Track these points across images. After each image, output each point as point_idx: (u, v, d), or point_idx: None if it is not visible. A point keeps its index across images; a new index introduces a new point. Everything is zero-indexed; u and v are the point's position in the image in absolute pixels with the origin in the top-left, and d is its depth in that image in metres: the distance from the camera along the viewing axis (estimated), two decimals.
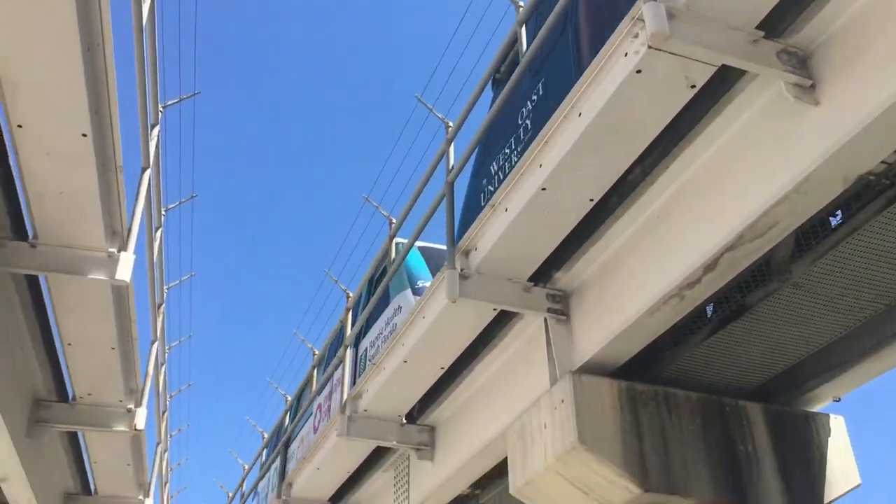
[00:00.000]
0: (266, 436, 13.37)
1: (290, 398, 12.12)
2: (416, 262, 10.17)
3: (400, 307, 9.72)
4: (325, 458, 9.66)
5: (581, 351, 6.14)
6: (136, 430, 8.36)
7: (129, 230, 6.35)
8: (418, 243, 10.27)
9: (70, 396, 8.34)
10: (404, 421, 8.76)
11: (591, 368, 6.03)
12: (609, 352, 5.93)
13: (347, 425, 8.60)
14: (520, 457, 6.37)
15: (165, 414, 11.68)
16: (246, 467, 14.54)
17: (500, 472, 8.69)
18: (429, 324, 7.06)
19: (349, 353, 9.31)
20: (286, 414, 11.96)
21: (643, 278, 5.56)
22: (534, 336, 6.98)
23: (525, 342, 7.14)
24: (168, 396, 11.66)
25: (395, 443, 8.77)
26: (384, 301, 9.96)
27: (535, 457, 6.10)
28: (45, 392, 8.25)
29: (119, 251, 6.18)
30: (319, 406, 11.03)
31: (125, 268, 6.15)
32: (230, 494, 15.89)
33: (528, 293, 6.46)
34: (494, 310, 6.83)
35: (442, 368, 7.74)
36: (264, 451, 13.14)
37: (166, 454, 12.95)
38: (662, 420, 5.95)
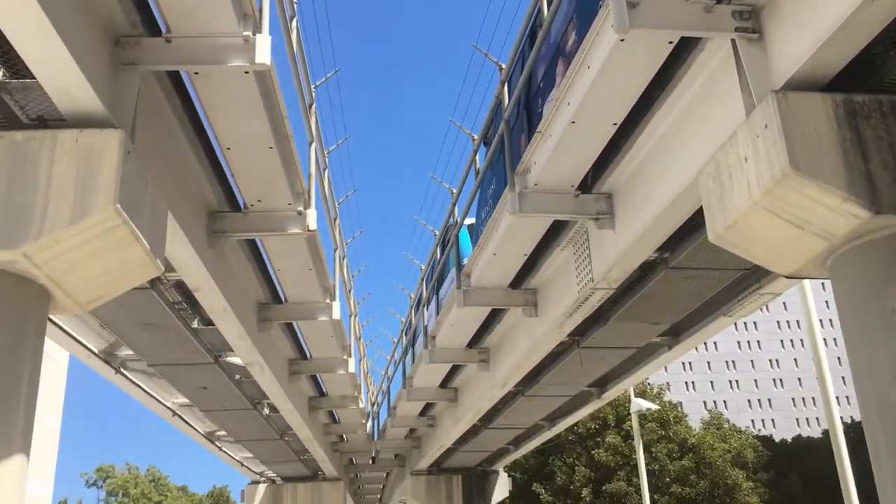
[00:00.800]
0: (438, 233, 13.34)
1: (454, 190, 11.87)
2: (465, 241, 12.04)
3: (453, 279, 11.69)
4: (500, 241, 9.36)
5: (782, 68, 5.24)
6: (309, 230, 8.31)
7: (261, 11, 5.89)
8: (468, 220, 11.85)
9: (241, 205, 8.35)
10: (578, 191, 8.21)
11: (798, 85, 5.14)
12: (817, 62, 5.00)
13: (518, 202, 8.16)
14: (717, 200, 5.70)
15: (337, 220, 11.76)
16: (423, 267, 14.74)
17: (689, 229, 8.08)
18: (595, 72, 6.30)
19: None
20: (453, 207, 11.75)
21: None
22: (719, 66, 6.09)
23: (709, 75, 6.26)
24: (336, 203, 11.68)
25: (571, 215, 8.29)
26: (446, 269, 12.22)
27: (737, 196, 5.40)
28: (217, 203, 8.29)
29: (254, 34, 5.75)
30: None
31: (263, 50, 5.74)
32: (412, 296, 16.33)
33: (710, 13, 5.52)
34: (670, 43, 5.96)
35: (615, 124, 7.03)
36: (438, 248, 13.16)
37: (345, 261, 13.21)
38: (890, 133, 5.04)
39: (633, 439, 29.50)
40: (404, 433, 20.20)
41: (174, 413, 14.14)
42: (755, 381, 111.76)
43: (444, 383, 15.77)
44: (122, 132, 5.15)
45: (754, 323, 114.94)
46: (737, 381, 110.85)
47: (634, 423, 18.31)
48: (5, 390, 5.00)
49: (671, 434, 31.28)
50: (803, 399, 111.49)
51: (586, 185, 8.30)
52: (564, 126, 7.04)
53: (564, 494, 30.28)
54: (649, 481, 17.50)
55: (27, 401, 5.17)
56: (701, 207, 7.45)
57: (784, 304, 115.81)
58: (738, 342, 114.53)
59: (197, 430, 16.22)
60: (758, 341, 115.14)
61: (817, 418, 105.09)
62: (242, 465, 20.55)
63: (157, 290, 8.67)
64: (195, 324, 10.60)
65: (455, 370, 15.05)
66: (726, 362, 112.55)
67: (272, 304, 10.93)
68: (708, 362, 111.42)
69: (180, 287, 9.52)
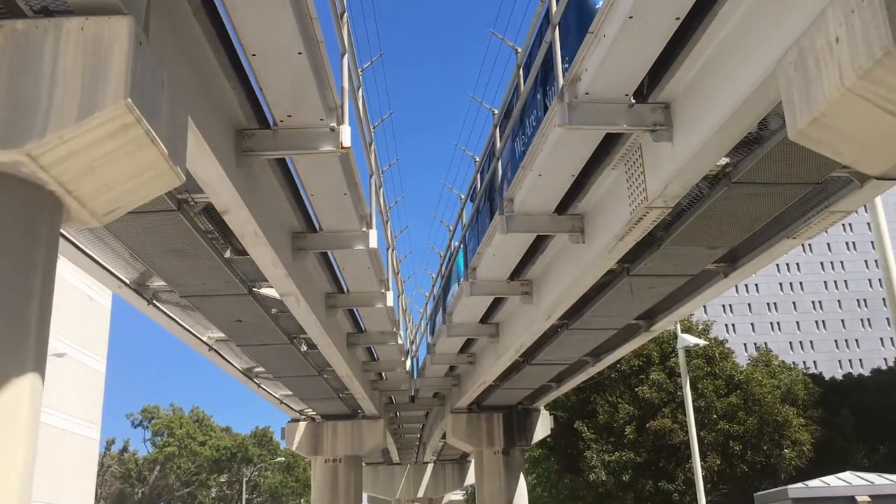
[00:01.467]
0: (478, 160, 12.75)
1: (496, 111, 11.21)
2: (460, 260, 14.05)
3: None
4: (547, 160, 8.75)
5: None
6: (342, 148, 7.78)
7: None
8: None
9: (270, 122, 7.84)
10: (633, 101, 7.56)
11: None
12: None
13: (568, 113, 7.53)
14: (800, 92, 5.03)
15: (372, 146, 11.22)
16: (462, 197, 14.19)
17: (755, 140, 7.43)
18: None
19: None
20: (495, 129, 11.12)
21: None
22: None
23: None
24: (371, 127, 11.10)
25: (625, 127, 7.65)
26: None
27: (826, 84, 4.74)
28: (245, 120, 7.78)
29: None
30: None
31: None
32: (451, 228, 15.82)
33: None
34: None
35: (677, 19, 6.34)
36: (479, 176, 12.58)
37: (381, 190, 12.70)
38: None
39: (677, 376, 28.93)
40: (444, 371, 19.89)
41: (210, 348, 13.91)
42: (797, 322, 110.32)
43: (485, 318, 15.33)
44: (131, 19, 4.62)
45: (797, 264, 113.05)
46: (778, 323, 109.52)
47: (681, 358, 17.69)
48: (15, 307, 4.60)
49: (717, 370, 30.70)
50: (846, 341, 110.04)
51: (642, 94, 7.65)
52: (621, 22, 6.37)
53: (608, 432, 29.95)
54: (695, 418, 17.02)
55: (39, 319, 4.77)
56: (769, 114, 6.81)
57: (828, 245, 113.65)
58: (780, 283, 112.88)
59: (234, 367, 16.02)
60: (800, 283, 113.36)
61: (860, 360, 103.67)
62: (282, 402, 20.45)
63: (185, 214, 8.25)
64: (228, 254, 10.22)
65: (496, 304, 14.59)
66: (767, 304, 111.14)
67: (307, 233, 10.49)
68: (749, 304, 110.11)
69: (210, 214, 9.11)
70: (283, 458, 65.56)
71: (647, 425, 29.42)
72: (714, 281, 10.91)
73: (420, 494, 39.43)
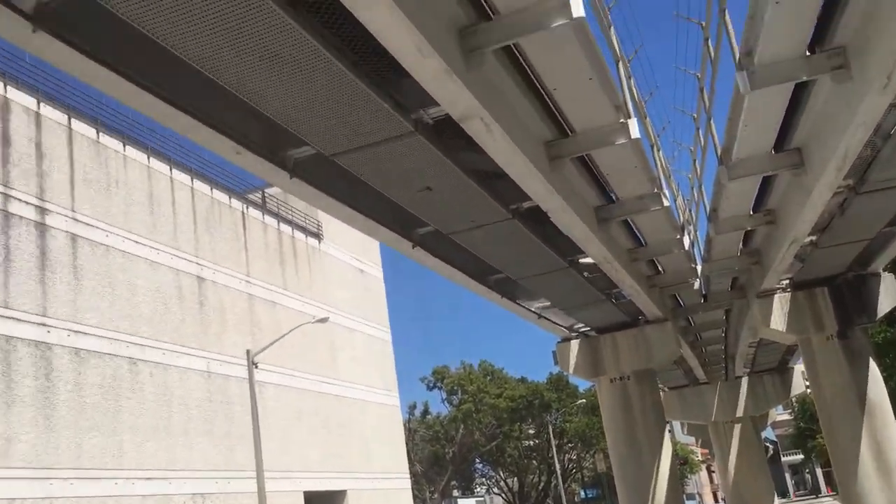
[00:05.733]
0: None
1: None
2: None
3: None
4: None
5: None
6: None
7: None
8: None
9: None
10: None
11: None
12: None
13: None
14: None
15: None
16: None
17: None
18: None
19: None
20: None
21: None
22: None
23: None
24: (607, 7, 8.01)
25: None
26: None
27: None
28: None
29: None
30: None
31: None
32: None
33: None
34: None
35: None
36: None
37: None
38: None
39: None
40: (737, 243, 15.39)
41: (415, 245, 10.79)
42: None
43: (779, 145, 10.88)
44: None
45: None
46: None
47: None
48: None
49: None
50: None
51: None
52: None
53: None
54: None
55: None
56: None
57: None
58: None
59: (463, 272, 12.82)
60: None
61: None
62: (540, 316, 17.12)
63: None
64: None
65: (790, 117, 10.09)
66: None
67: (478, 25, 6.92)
68: None
69: None
70: (583, 400, 62.93)
71: None
72: None
73: (739, 413, 34.49)
